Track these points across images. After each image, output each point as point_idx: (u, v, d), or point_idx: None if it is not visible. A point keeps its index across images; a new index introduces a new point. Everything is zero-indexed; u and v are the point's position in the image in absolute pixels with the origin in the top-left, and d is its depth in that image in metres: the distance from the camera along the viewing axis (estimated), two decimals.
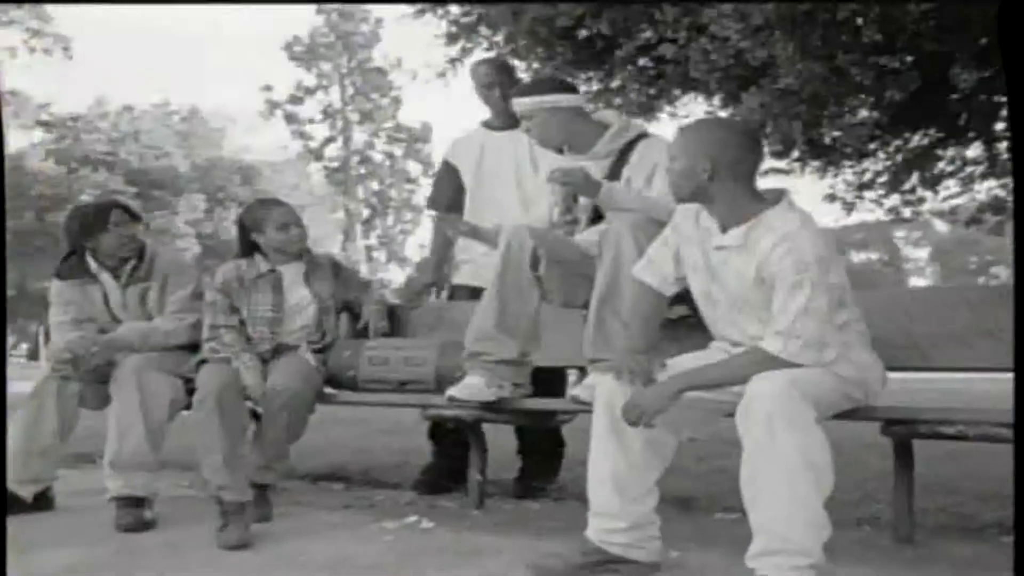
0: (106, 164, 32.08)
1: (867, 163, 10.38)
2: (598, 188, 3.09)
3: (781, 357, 2.33)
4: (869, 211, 11.19)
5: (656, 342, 2.72)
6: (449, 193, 4.13)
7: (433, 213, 4.29)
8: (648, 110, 7.80)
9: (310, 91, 41.27)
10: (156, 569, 2.76)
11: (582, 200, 3.29)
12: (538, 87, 3.33)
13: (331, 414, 6.12)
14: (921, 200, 10.82)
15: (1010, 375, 3.44)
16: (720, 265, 2.51)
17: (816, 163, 10.07)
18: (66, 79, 37.01)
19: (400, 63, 40.61)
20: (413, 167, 42.63)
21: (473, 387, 3.12)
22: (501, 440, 4.23)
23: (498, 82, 4.00)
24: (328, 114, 41.80)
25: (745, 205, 2.45)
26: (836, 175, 10.59)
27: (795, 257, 2.32)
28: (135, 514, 3.29)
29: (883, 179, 10.59)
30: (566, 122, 3.25)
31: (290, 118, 41.16)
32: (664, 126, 8.83)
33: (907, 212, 11.02)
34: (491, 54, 8.51)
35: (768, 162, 10.42)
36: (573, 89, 3.35)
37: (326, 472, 4.47)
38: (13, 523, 3.26)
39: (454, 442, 3.85)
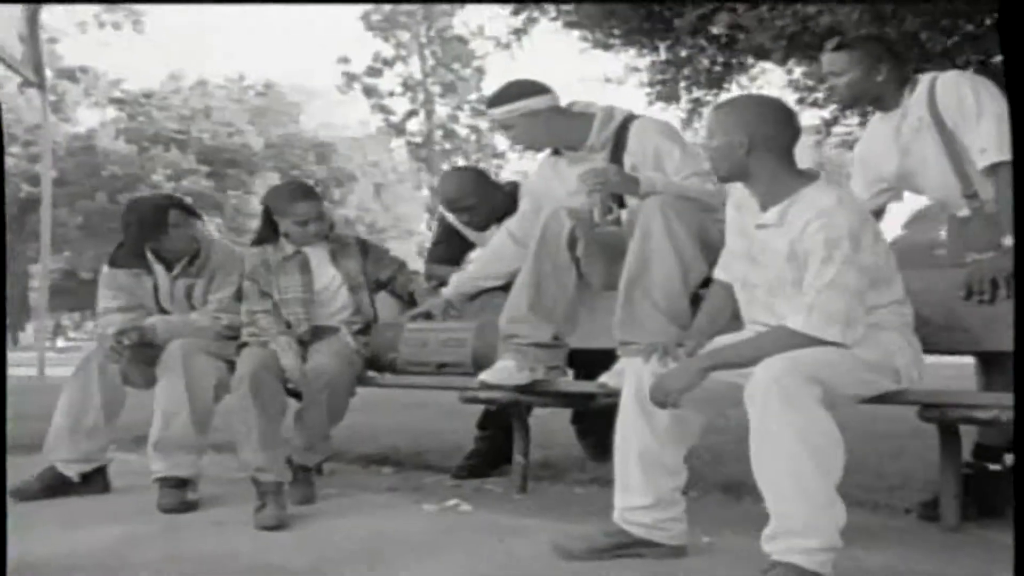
0: (177, 143, 31.55)
1: None
2: (636, 183, 3.00)
3: (804, 332, 2.29)
4: None
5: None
6: (454, 251, 4.05)
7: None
8: (717, 82, 7.67)
9: (388, 62, 39.57)
10: (198, 546, 2.81)
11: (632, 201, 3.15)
12: (508, 95, 3.22)
13: (401, 398, 6.10)
14: None
15: None
16: (760, 245, 2.49)
17: None
18: (138, 55, 36.89)
19: (482, 31, 36.35)
20: (500, 141, 38.17)
21: (505, 370, 3.08)
22: (556, 425, 4.23)
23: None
24: (408, 86, 40.05)
25: (784, 181, 2.44)
26: None
27: (827, 233, 2.30)
28: (178, 495, 3.34)
29: None
30: (547, 122, 3.18)
31: (369, 91, 39.66)
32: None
33: None
34: (558, 24, 8.38)
35: None
36: (545, 90, 3.22)
37: (378, 456, 4.46)
38: (63, 503, 3.38)
39: (501, 427, 3.79)
